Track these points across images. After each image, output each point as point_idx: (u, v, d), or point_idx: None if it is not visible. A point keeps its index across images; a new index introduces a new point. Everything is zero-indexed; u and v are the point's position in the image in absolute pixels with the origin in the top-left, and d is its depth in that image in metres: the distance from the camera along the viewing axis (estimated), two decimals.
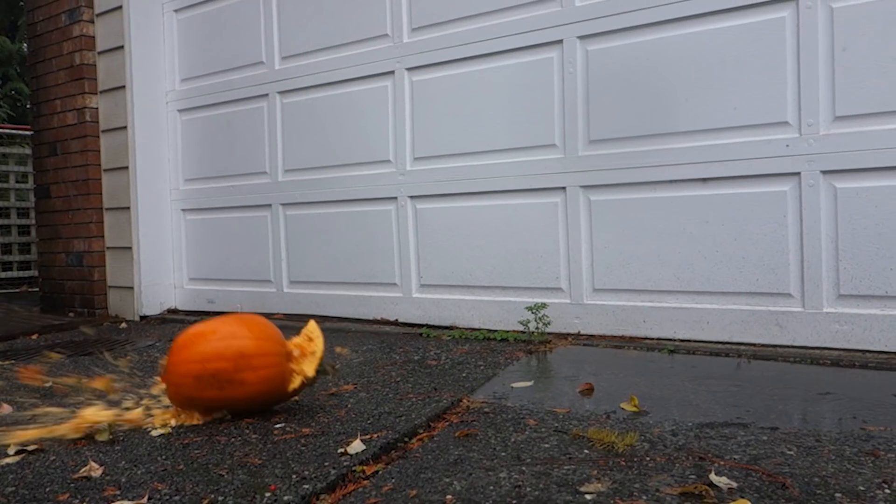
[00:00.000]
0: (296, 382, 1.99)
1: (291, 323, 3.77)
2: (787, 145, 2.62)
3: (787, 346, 2.63)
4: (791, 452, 1.58)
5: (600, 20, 3.00)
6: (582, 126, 3.06)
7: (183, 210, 4.42)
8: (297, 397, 2.20)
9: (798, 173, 2.61)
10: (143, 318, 4.25)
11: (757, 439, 1.68)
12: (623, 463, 1.56)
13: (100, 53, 4.41)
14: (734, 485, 1.41)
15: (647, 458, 1.58)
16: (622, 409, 1.99)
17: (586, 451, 1.65)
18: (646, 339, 2.91)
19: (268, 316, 3.91)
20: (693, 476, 1.47)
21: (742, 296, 2.74)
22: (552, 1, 3.12)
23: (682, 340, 2.83)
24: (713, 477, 1.44)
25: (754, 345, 2.69)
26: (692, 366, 2.49)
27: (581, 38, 3.05)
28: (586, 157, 3.05)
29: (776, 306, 2.67)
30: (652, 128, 2.90)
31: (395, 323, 3.56)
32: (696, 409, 1.96)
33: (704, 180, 2.80)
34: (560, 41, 3.10)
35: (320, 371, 2.03)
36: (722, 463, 1.53)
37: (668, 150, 2.86)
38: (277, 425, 1.93)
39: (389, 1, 3.57)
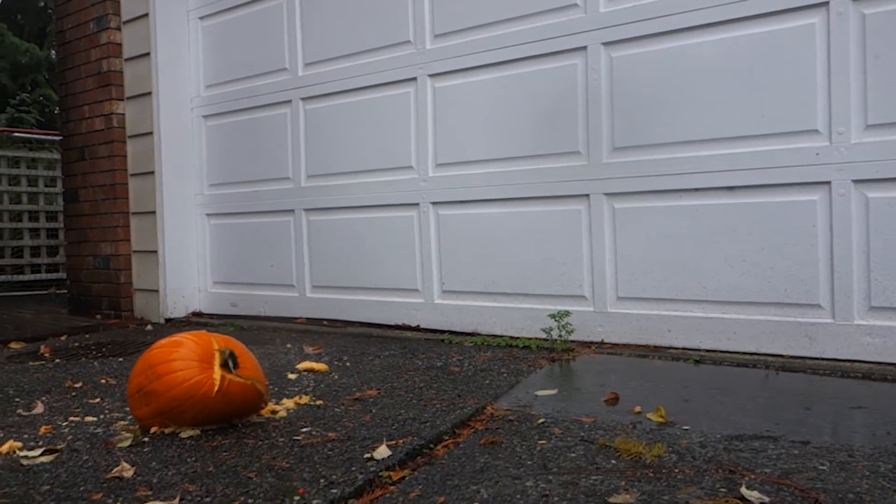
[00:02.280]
0: (216, 383, 1.89)
1: (313, 327, 3.80)
2: (817, 154, 2.59)
3: (817, 359, 2.59)
4: (823, 467, 1.56)
5: (625, 26, 2.99)
6: (606, 133, 3.05)
7: (207, 214, 4.46)
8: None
9: (828, 182, 2.58)
10: (168, 320, 4.29)
11: (788, 453, 1.66)
12: (651, 474, 1.55)
13: (127, 60, 4.47)
14: (766, 499, 1.39)
15: (676, 470, 1.57)
16: (648, 419, 1.97)
17: (613, 461, 1.64)
18: (670, 348, 2.88)
19: (290, 320, 3.97)
20: (723, 489, 1.45)
21: (770, 306, 2.71)
22: (576, 7, 3.11)
23: (707, 351, 2.80)
24: (744, 490, 1.42)
25: (782, 356, 2.65)
26: (719, 377, 2.46)
27: (605, 44, 3.04)
28: (610, 164, 3.04)
29: (805, 317, 2.64)
30: (677, 135, 2.88)
31: (417, 329, 3.56)
32: (724, 420, 1.94)
33: (731, 188, 2.77)
34: (584, 48, 3.09)
35: (224, 363, 1.92)
36: (753, 476, 1.51)
37: (695, 157, 2.84)
38: (303, 429, 1.94)
39: (412, 8, 3.58)
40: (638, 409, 2.06)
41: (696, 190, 2.84)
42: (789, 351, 2.66)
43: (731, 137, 2.77)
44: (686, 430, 1.86)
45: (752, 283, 2.74)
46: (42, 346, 3.48)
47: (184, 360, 1.91)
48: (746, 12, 2.72)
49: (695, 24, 2.83)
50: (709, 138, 2.82)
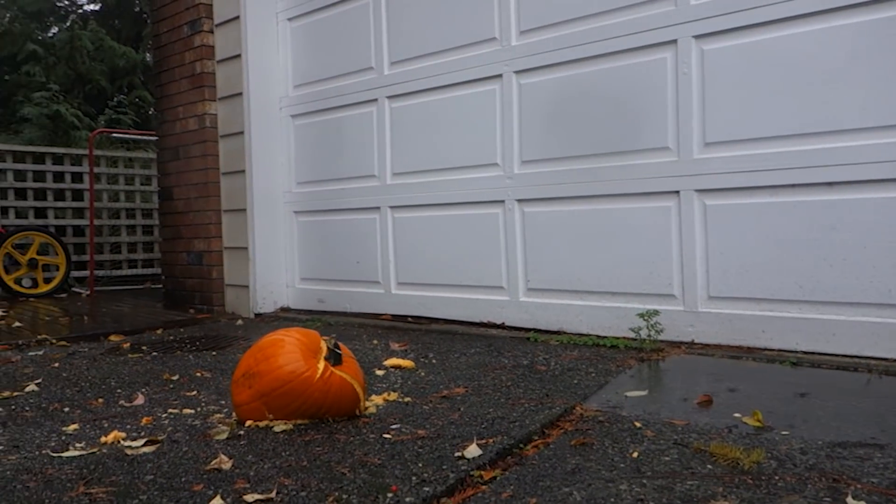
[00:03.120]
0: (319, 371, 1.97)
1: (398, 324, 3.85)
2: None
3: None
4: None
5: (716, 19, 2.90)
6: (697, 128, 2.96)
7: (295, 212, 4.57)
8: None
9: None
10: (257, 315, 4.42)
11: None
12: (750, 481, 1.50)
13: (219, 62, 4.63)
14: None
15: (776, 477, 1.52)
16: (744, 423, 1.91)
17: (709, 466, 1.60)
18: (765, 350, 2.78)
19: (375, 316, 4.03)
20: (828, 499, 1.39)
21: (872, 307, 2.58)
22: (666, 0, 3.04)
23: (805, 353, 2.69)
24: (850, 501, 1.37)
25: (886, 359, 2.52)
26: (818, 380, 2.36)
27: (696, 37, 2.96)
28: (701, 160, 2.95)
29: None
30: (772, 129, 2.77)
31: (502, 326, 3.56)
32: (825, 426, 1.86)
33: (831, 184, 2.65)
34: (674, 41, 3.02)
35: (330, 356, 2.01)
36: (859, 486, 1.45)
37: (790, 152, 2.72)
38: (393, 426, 1.96)
39: (497, 4, 3.57)
40: (732, 412, 2.00)
41: (793, 186, 2.73)
42: (893, 354, 2.53)
43: (830, 132, 2.65)
44: (785, 435, 1.80)
45: (853, 283, 2.62)
46: (123, 343, 3.63)
47: (292, 347, 2.02)
48: (848, 1, 2.59)
49: (792, 15, 2.72)
50: (805, 132, 2.70)
